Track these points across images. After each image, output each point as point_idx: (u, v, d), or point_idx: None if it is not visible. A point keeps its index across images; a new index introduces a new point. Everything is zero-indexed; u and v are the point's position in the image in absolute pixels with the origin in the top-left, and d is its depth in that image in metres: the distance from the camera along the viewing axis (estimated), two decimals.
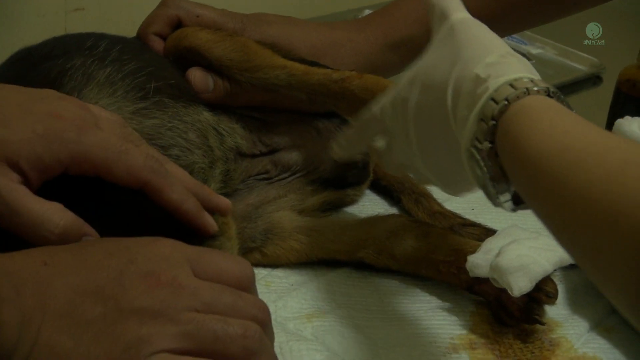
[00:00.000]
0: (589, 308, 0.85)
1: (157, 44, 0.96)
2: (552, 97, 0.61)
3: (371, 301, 0.86)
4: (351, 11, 1.67)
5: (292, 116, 0.98)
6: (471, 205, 1.03)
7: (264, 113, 0.97)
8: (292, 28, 1.02)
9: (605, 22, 1.50)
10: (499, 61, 0.65)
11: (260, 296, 0.84)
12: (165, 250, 0.65)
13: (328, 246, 0.91)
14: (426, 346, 0.80)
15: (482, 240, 0.88)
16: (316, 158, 0.98)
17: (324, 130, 0.99)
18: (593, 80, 1.48)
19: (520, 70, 0.64)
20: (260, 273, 0.90)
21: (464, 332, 0.82)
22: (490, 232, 0.93)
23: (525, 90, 0.61)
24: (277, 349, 0.75)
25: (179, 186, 0.71)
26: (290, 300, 0.85)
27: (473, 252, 0.85)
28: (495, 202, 0.65)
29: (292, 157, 0.97)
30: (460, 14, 0.74)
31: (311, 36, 1.02)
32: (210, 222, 0.74)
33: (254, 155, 0.95)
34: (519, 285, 0.78)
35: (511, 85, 0.62)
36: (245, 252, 0.90)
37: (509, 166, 0.61)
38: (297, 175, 0.98)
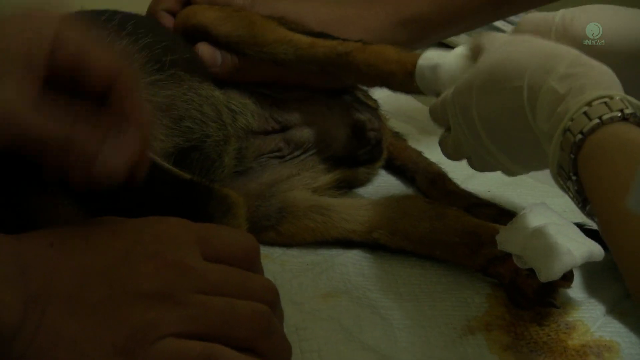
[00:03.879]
0: (605, 292, 0.85)
1: (167, 21, 0.97)
2: (627, 118, 0.60)
3: (386, 282, 0.86)
4: None
5: (303, 93, 0.98)
6: (487, 187, 1.02)
7: (275, 90, 0.97)
8: (301, 5, 1.02)
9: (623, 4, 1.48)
10: (571, 73, 0.65)
11: (275, 275, 0.85)
12: (172, 230, 0.64)
13: (342, 226, 0.91)
14: (442, 327, 0.80)
15: (497, 221, 0.88)
16: (328, 135, 0.98)
17: (335, 107, 0.99)
18: None
19: (593, 85, 0.63)
20: (275, 252, 0.90)
21: (480, 313, 0.82)
22: (505, 213, 0.93)
23: (598, 121, 0.60)
24: (292, 329, 0.76)
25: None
26: (305, 280, 0.85)
27: (489, 233, 0.85)
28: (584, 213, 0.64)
29: (304, 134, 0.97)
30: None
31: (320, 12, 1.02)
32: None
33: (266, 133, 0.95)
34: (549, 271, 0.77)
35: (585, 113, 0.61)
36: (260, 230, 0.90)
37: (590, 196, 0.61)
38: (310, 153, 0.98)
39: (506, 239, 0.82)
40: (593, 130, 0.60)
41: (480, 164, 0.79)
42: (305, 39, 0.93)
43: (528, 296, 0.81)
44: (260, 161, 0.95)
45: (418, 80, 0.85)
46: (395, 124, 1.10)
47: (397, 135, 1.09)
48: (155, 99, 0.83)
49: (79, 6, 0.94)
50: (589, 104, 0.62)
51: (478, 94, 0.73)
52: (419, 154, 1.06)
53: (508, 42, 0.73)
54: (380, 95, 1.10)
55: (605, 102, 0.61)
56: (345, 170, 1.00)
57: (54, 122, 0.58)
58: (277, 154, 0.96)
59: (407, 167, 1.05)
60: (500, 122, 0.72)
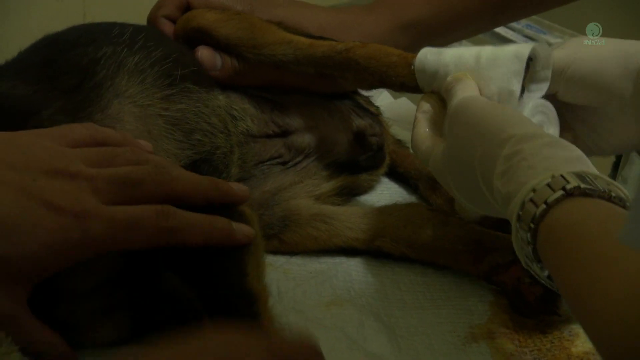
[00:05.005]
0: None
1: (167, 27, 0.97)
2: (572, 193, 0.60)
3: (389, 290, 0.86)
4: None
5: (303, 98, 0.98)
6: None
7: (275, 94, 0.97)
8: (300, 10, 1.02)
9: (626, 9, 1.49)
10: (507, 168, 0.65)
11: (279, 284, 0.85)
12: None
13: (346, 234, 0.91)
14: (445, 335, 0.80)
15: (500, 228, 0.88)
16: (329, 140, 0.98)
17: (335, 112, 0.99)
18: None
19: (530, 175, 0.63)
20: (278, 260, 0.90)
21: (483, 321, 0.82)
22: (508, 220, 0.93)
23: (545, 206, 0.60)
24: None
25: (199, 225, 0.69)
26: (309, 288, 0.85)
27: (492, 241, 0.85)
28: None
29: (305, 139, 0.97)
30: (465, 94, 0.78)
31: (319, 17, 1.02)
32: (244, 232, 0.72)
33: (267, 136, 0.96)
34: None
35: (531, 200, 0.61)
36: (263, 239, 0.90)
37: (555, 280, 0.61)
38: (311, 158, 0.98)
39: None
40: (542, 216, 0.60)
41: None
42: (304, 40, 0.93)
43: (531, 304, 0.81)
44: (262, 169, 0.95)
45: (418, 66, 0.85)
46: (397, 131, 1.10)
47: (399, 142, 1.09)
48: (168, 113, 0.84)
49: (81, 15, 0.95)
50: (533, 190, 0.61)
51: (449, 175, 0.76)
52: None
53: (457, 118, 0.75)
54: (383, 102, 1.10)
55: (548, 184, 0.61)
56: (347, 177, 1.00)
57: None
58: (278, 160, 0.96)
59: (409, 174, 1.05)
60: (477, 197, 0.73)
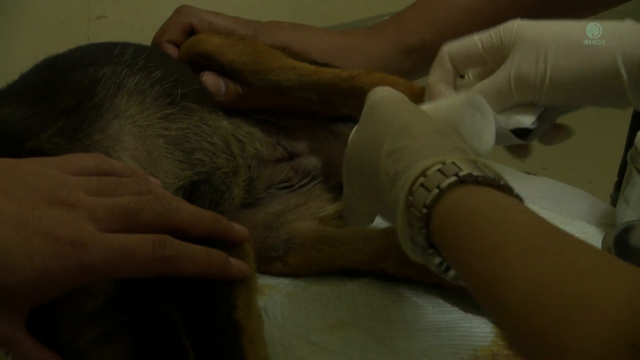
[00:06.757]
0: None
1: (172, 52, 0.98)
2: (464, 180, 0.59)
3: (393, 312, 0.86)
4: (371, 19, 1.67)
5: (307, 121, 0.98)
6: None
7: (279, 118, 0.97)
8: (304, 33, 1.03)
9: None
10: (394, 148, 0.65)
11: (282, 306, 0.85)
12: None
13: (350, 256, 0.91)
14: (449, 357, 0.79)
15: None
16: (334, 162, 0.98)
17: (339, 134, 0.99)
18: None
19: (416, 157, 0.63)
20: (282, 283, 0.90)
21: (486, 343, 0.82)
22: None
23: (438, 191, 0.59)
24: None
25: (195, 256, 0.68)
26: (312, 311, 0.85)
27: None
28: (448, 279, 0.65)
29: (312, 161, 0.98)
30: (382, 93, 0.77)
31: (323, 41, 1.02)
32: (240, 268, 0.72)
33: (276, 161, 0.96)
34: None
35: (422, 185, 0.61)
36: (267, 262, 0.90)
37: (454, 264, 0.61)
38: (317, 180, 0.98)
39: None
40: (435, 201, 0.60)
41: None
42: (309, 67, 0.94)
43: None
44: (269, 192, 0.95)
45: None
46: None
47: None
48: (168, 133, 0.84)
49: (85, 37, 0.95)
50: (423, 174, 0.61)
51: (352, 175, 0.75)
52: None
53: (364, 114, 0.75)
54: None
55: (439, 170, 0.60)
56: None
57: None
58: (286, 184, 0.97)
59: None
60: (372, 196, 0.72)
